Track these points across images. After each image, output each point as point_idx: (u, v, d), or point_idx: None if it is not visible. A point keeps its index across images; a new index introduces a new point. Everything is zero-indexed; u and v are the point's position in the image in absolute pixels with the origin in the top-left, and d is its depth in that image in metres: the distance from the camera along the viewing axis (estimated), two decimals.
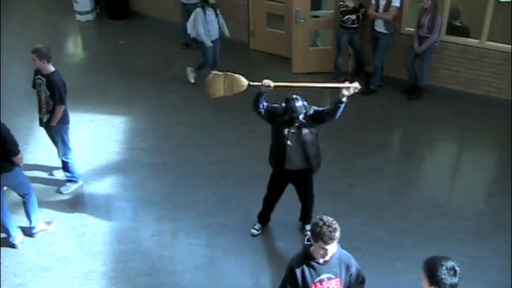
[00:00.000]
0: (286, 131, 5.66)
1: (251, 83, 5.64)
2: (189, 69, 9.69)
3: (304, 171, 5.96)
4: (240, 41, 10.86)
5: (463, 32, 8.98)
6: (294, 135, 5.68)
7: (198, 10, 9.07)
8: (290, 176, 6.04)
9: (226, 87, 5.63)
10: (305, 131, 5.67)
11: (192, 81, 9.64)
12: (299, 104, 5.52)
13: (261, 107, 5.63)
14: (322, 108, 5.69)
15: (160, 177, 7.43)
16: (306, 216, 6.42)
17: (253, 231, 6.48)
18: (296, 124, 5.60)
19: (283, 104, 5.62)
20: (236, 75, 5.69)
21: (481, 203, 7.09)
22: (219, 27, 9.28)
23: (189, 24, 9.22)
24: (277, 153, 5.84)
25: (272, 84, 5.53)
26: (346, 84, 5.48)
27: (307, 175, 6.05)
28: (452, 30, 8.94)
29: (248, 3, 10.61)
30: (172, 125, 8.58)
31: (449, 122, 8.65)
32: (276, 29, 10.59)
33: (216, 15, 9.18)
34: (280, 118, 5.67)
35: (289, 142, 5.69)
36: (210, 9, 9.09)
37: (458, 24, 8.99)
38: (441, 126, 8.58)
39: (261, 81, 5.55)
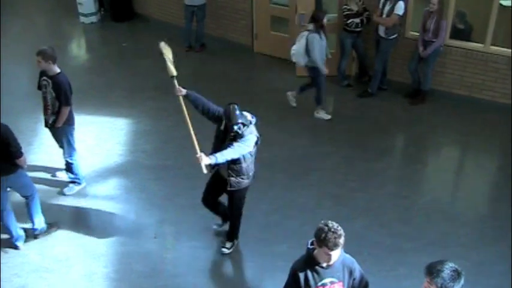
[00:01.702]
0: (222, 134, 5.65)
1: (173, 77, 5.93)
2: (289, 93, 8.87)
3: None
4: (244, 44, 10.88)
5: (467, 33, 8.99)
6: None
7: (315, 36, 8.09)
8: (224, 182, 5.89)
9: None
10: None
11: (294, 104, 8.86)
12: (237, 113, 5.41)
13: (197, 107, 5.86)
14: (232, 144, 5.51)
15: (163, 179, 7.43)
16: (228, 232, 6.29)
17: (224, 249, 6.27)
18: (231, 133, 5.49)
19: (223, 110, 5.59)
20: (169, 63, 6.01)
21: (484, 208, 7.09)
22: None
23: (297, 52, 8.25)
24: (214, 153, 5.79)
25: (178, 94, 5.87)
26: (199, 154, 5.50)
27: (230, 190, 5.90)
28: (455, 33, 8.94)
29: (252, 7, 10.62)
30: (174, 127, 8.55)
31: (453, 127, 8.64)
32: (280, 32, 10.57)
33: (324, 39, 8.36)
34: (221, 122, 5.65)
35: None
36: (322, 33, 8.26)
37: (462, 27, 8.99)
38: (444, 130, 8.57)
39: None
